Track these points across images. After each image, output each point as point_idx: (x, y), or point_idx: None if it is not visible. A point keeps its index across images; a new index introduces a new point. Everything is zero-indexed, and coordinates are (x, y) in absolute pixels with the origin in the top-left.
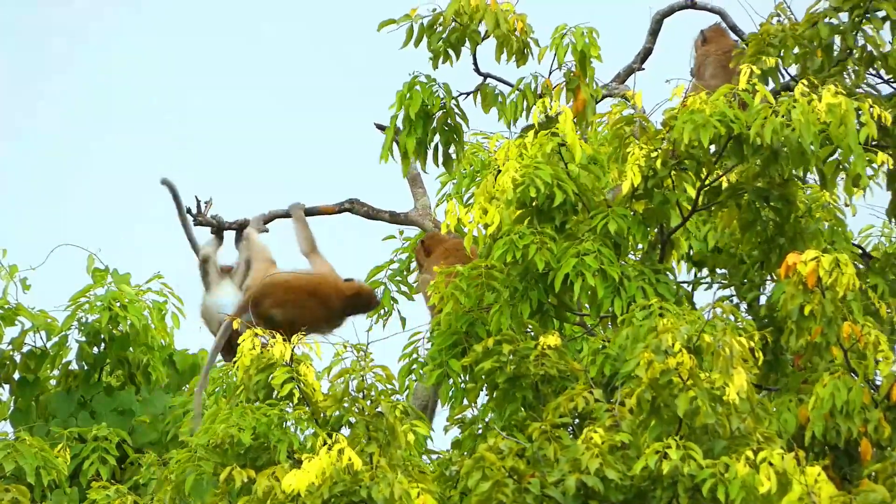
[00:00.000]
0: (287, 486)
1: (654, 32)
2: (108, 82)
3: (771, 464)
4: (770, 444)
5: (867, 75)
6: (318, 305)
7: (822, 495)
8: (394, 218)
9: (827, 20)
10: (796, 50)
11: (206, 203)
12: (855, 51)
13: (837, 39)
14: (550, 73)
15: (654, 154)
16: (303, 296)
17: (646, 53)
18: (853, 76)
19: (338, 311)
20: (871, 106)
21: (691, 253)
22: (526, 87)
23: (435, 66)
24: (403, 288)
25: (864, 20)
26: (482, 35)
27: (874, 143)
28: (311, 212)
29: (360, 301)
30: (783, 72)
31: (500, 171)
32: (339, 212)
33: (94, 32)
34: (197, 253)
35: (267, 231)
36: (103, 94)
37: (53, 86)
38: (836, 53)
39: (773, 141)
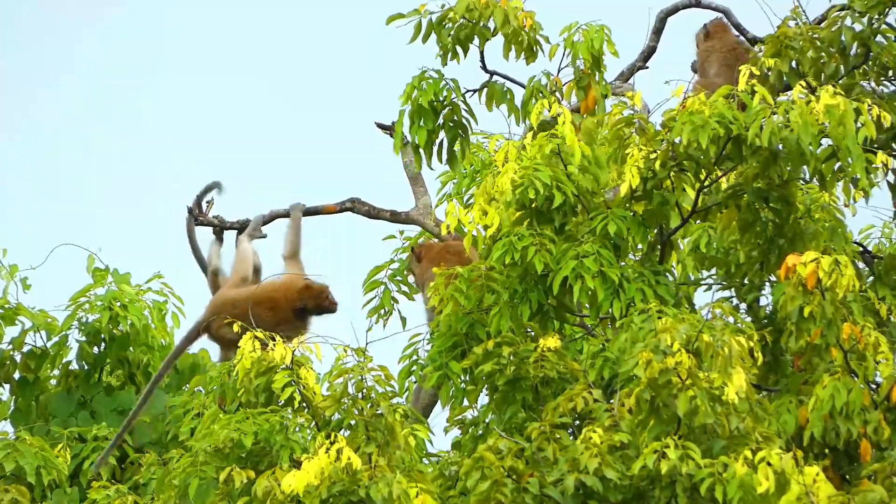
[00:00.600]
0: (286, 486)
1: (658, 31)
2: (109, 82)
3: (769, 464)
4: (769, 444)
5: (881, 80)
6: (266, 312)
7: (820, 495)
8: (395, 217)
9: (850, 23)
10: (810, 53)
11: (207, 203)
12: (872, 53)
13: (854, 46)
14: (559, 70)
15: (653, 155)
16: (251, 307)
17: (649, 52)
18: (870, 81)
19: (289, 311)
20: (869, 107)
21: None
22: (537, 84)
23: (444, 63)
24: (404, 288)
25: (882, 25)
26: (491, 31)
27: (876, 145)
28: (312, 211)
29: (311, 296)
30: (800, 74)
31: (499, 173)
32: (341, 211)
33: (95, 33)
34: (204, 269)
35: (264, 236)
36: (103, 94)
37: (53, 85)
38: (851, 58)
39: (772, 142)
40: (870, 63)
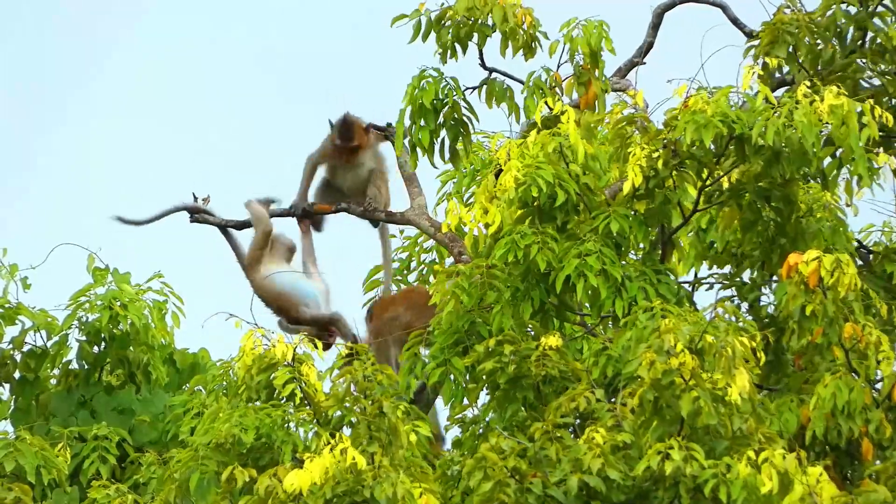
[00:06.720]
0: (289, 485)
1: (656, 26)
2: (107, 80)
3: (773, 464)
4: (772, 445)
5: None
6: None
7: (823, 495)
8: (390, 217)
9: (844, 6)
10: (807, 40)
11: (203, 200)
12: (868, 40)
13: (850, 31)
14: (559, 66)
15: (655, 154)
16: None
17: (647, 47)
18: (865, 66)
19: None
20: (872, 107)
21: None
22: (537, 81)
23: (444, 61)
24: (403, 287)
25: (878, 8)
26: (491, 29)
27: (879, 139)
28: (309, 211)
29: None
30: (797, 62)
31: (501, 171)
32: (336, 211)
33: (93, 31)
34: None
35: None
36: (102, 93)
37: (51, 84)
38: (847, 44)
39: (775, 142)
40: (866, 47)
